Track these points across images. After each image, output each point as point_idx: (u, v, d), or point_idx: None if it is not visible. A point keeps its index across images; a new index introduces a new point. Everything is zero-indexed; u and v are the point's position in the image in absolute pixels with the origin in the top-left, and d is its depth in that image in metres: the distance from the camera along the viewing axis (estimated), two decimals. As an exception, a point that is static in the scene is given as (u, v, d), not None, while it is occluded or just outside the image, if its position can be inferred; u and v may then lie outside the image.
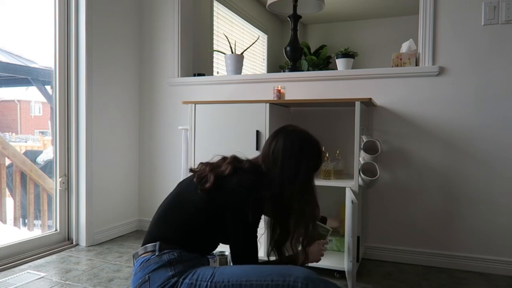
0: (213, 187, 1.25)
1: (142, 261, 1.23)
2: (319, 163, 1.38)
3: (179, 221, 1.28)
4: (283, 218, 1.36)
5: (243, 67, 2.83)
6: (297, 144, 1.32)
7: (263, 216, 1.43)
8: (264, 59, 5.03)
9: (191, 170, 1.38)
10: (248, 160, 1.36)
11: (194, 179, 1.31)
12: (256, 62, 4.75)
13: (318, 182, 2.05)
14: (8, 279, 1.95)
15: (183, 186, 1.37)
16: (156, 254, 1.22)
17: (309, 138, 1.36)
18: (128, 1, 2.80)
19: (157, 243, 1.23)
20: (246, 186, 1.25)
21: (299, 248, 1.39)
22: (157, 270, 1.19)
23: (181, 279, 1.17)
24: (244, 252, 1.26)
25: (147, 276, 1.19)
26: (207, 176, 1.28)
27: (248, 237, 1.26)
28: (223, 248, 1.55)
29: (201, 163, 1.38)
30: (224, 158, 1.37)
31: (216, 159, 1.39)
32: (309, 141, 1.35)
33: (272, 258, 1.42)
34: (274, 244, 1.40)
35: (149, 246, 1.25)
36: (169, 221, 1.29)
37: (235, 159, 1.35)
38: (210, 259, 1.61)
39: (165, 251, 1.22)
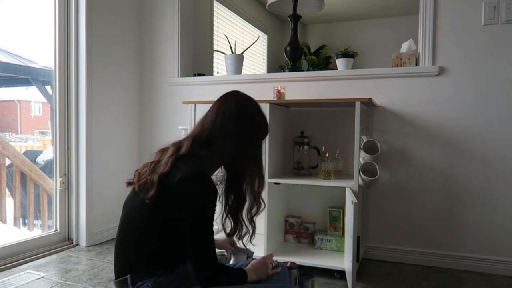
0: (158, 192, 1.09)
1: None
2: (267, 131, 1.31)
3: (137, 245, 1.14)
4: (239, 189, 1.25)
5: (243, 67, 2.83)
6: (251, 106, 1.26)
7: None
8: (264, 59, 5.03)
9: (128, 183, 1.22)
10: (187, 137, 1.23)
11: (137, 190, 1.15)
12: (256, 62, 4.75)
13: (318, 182, 2.06)
14: (8, 279, 1.95)
15: (128, 205, 1.21)
16: None
17: (258, 105, 1.28)
18: (128, 1, 2.80)
19: (128, 277, 1.12)
20: (191, 179, 1.10)
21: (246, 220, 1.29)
22: None
23: None
24: (205, 254, 1.11)
25: None
26: (147, 181, 1.12)
27: (206, 237, 1.11)
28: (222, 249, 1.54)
29: (137, 170, 1.22)
30: (162, 150, 1.23)
31: (155, 155, 1.24)
32: (258, 106, 1.28)
33: (227, 226, 1.30)
34: (229, 211, 1.27)
35: (121, 281, 1.13)
36: (128, 247, 1.16)
37: (174, 147, 1.20)
38: None
39: (139, 284, 1.11)
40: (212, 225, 1.13)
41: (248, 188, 1.25)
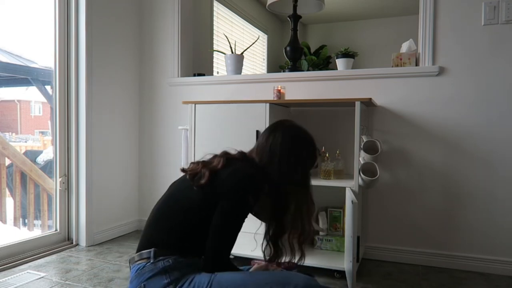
0: (208, 182, 1.22)
1: (138, 269, 1.21)
2: (315, 161, 1.37)
3: (173, 223, 1.24)
4: (279, 213, 1.33)
5: (243, 67, 2.83)
6: (296, 140, 1.32)
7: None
8: (264, 59, 5.03)
9: (182, 170, 1.35)
10: (239, 152, 1.34)
11: (187, 177, 1.28)
12: (256, 62, 4.75)
13: (318, 182, 2.06)
14: (8, 279, 1.95)
15: (175, 186, 1.33)
16: (151, 261, 1.19)
17: (306, 135, 1.35)
18: (128, 1, 2.80)
19: (152, 250, 1.20)
20: (240, 172, 1.23)
21: (295, 245, 1.36)
22: (152, 278, 1.17)
23: (177, 287, 1.15)
24: (220, 245, 1.20)
25: (142, 284, 1.18)
26: (200, 172, 1.25)
27: (229, 228, 1.21)
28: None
29: (192, 163, 1.35)
30: (215, 155, 1.34)
31: (207, 157, 1.36)
32: (307, 138, 1.34)
33: (267, 252, 1.37)
34: (270, 238, 1.35)
35: (144, 253, 1.22)
36: (163, 224, 1.25)
37: (226, 153, 1.32)
38: None
39: (160, 258, 1.19)
40: (238, 223, 1.22)
41: (298, 215, 1.32)
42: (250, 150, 1.37)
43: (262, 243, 1.36)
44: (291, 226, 1.32)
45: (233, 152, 1.34)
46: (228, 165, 1.26)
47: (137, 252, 1.25)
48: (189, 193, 1.25)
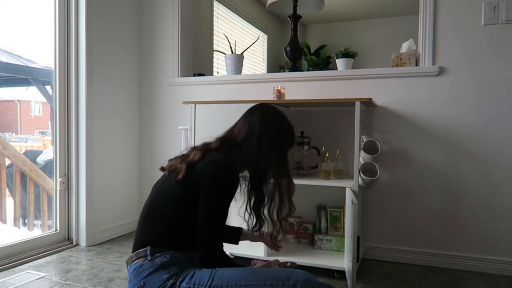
0: (185, 176, 1.24)
1: (136, 268, 1.22)
2: (293, 141, 1.42)
3: (163, 220, 1.26)
4: (258, 187, 1.36)
5: (243, 67, 2.83)
6: (274, 119, 1.36)
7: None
8: (264, 59, 5.03)
9: (161, 168, 1.36)
10: (217, 139, 1.36)
11: (167, 175, 1.30)
12: (256, 62, 4.75)
13: (318, 182, 2.06)
14: (8, 279, 1.95)
15: (158, 186, 1.35)
16: (149, 258, 1.20)
17: (283, 116, 1.40)
18: (128, 1, 2.80)
19: (148, 248, 1.22)
20: (217, 164, 1.24)
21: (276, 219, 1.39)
22: (152, 275, 1.18)
23: (178, 282, 1.16)
24: (208, 237, 1.22)
25: (142, 281, 1.18)
26: (177, 168, 1.27)
27: (216, 219, 1.23)
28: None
29: (170, 159, 1.37)
30: (193, 148, 1.37)
31: (187, 151, 1.38)
32: (284, 119, 1.39)
33: (250, 222, 1.41)
34: (252, 207, 1.38)
35: (141, 251, 1.23)
36: (154, 223, 1.27)
37: (204, 145, 1.35)
38: None
39: (157, 254, 1.21)
40: (223, 211, 1.25)
41: (276, 191, 1.35)
42: (227, 130, 1.40)
43: (244, 214, 1.39)
44: (271, 198, 1.36)
45: (211, 141, 1.36)
46: (204, 157, 1.28)
47: (133, 252, 1.26)
48: (170, 189, 1.27)
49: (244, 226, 1.45)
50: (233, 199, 1.28)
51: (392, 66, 2.32)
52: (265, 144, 1.31)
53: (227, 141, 1.35)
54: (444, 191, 2.21)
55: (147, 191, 3.12)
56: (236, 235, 1.56)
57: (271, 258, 1.44)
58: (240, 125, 1.37)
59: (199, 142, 2.18)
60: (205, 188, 1.22)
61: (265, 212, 1.39)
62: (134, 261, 1.24)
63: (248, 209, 1.39)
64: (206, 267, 1.20)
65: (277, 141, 1.35)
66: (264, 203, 1.38)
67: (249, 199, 1.39)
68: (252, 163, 1.32)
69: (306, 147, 2.23)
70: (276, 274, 1.16)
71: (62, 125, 2.47)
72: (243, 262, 1.93)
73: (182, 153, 1.36)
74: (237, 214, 1.39)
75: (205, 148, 1.32)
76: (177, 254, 1.22)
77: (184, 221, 1.25)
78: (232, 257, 1.62)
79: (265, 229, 1.44)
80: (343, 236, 2.21)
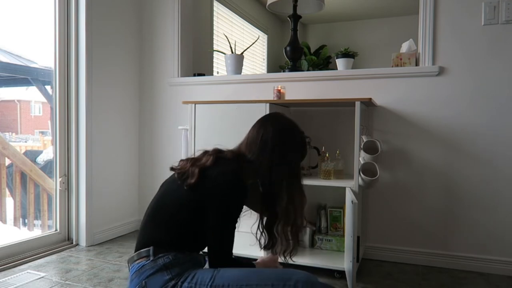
0: (198, 180, 1.23)
1: (137, 268, 1.22)
2: (305, 153, 1.40)
3: (169, 221, 1.26)
4: (272, 203, 1.35)
5: (243, 67, 2.83)
6: (286, 131, 1.34)
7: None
8: (264, 59, 5.03)
9: (171, 168, 1.36)
10: (230, 150, 1.35)
11: (176, 176, 1.30)
12: (256, 62, 4.75)
13: (318, 182, 2.06)
14: (8, 279, 1.95)
15: (166, 186, 1.35)
16: (151, 259, 1.20)
17: (296, 127, 1.38)
18: (128, 1, 2.80)
19: (151, 248, 1.22)
20: (228, 175, 1.24)
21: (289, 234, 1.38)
22: (154, 275, 1.18)
23: (179, 283, 1.16)
24: (222, 246, 1.23)
25: (143, 282, 1.18)
26: (188, 171, 1.26)
27: (226, 230, 1.23)
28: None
29: (181, 160, 1.36)
30: (205, 152, 1.35)
31: (197, 154, 1.37)
32: (297, 130, 1.37)
33: (262, 241, 1.39)
34: (264, 227, 1.37)
35: (143, 251, 1.23)
36: (159, 223, 1.27)
37: (216, 151, 1.33)
38: None
39: (160, 255, 1.21)
40: (233, 222, 1.25)
41: (290, 206, 1.34)
42: (240, 143, 1.38)
43: (256, 233, 1.38)
44: (284, 215, 1.34)
45: (224, 150, 1.35)
46: (217, 163, 1.27)
47: (135, 251, 1.26)
48: (178, 192, 1.26)
49: (255, 243, 1.41)
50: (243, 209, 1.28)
51: (392, 66, 2.32)
52: (278, 160, 1.29)
53: (240, 154, 1.33)
54: (444, 191, 2.21)
55: (147, 191, 3.13)
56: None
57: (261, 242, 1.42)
58: (251, 138, 1.35)
59: (199, 142, 2.20)
60: (217, 196, 1.22)
61: (279, 229, 1.37)
62: (135, 260, 1.24)
63: (260, 227, 1.37)
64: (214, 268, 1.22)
65: (291, 156, 1.33)
66: (277, 221, 1.36)
67: (261, 218, 1.38)
68: (265, 179, 1.30)
69: (306, 147, 2.23)
70: (277, 275, 1.16)
71: (62, 125, 2.47)
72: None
73: (192, 155, 1.36)
74: (250, 232, 1.37)
75: (218, 155, 1.31)
76: (179, 255, 1.22)
77: (189, 225, 1.25)
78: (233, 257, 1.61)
79: (278, 247, 1.41)
80: (343, 236, 2.22)
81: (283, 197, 1.33)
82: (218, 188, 1.22)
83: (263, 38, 4.97)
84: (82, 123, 2.47)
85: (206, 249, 1.29)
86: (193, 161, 1.31)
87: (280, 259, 1.47)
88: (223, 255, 1.24)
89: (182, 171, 1.28)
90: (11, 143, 2.46)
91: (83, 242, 2.50)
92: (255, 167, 1.30)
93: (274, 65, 5.14)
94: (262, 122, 1.37)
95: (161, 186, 1.36)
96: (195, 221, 1.24)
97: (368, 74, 2.32)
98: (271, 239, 1.37)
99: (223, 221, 1.23)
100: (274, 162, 1.29)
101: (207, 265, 1.41)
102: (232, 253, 1.26)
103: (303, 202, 1.38)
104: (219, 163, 1.27)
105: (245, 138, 1.38)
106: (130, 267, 1.27)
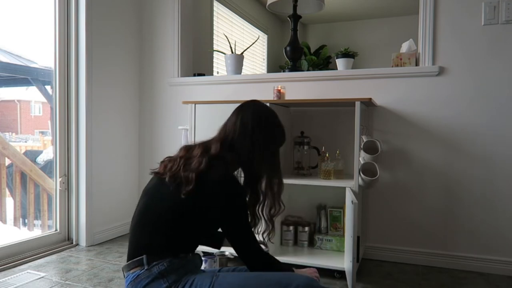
0: (195, 186, 1.18)
1: (133, 277, 1.18)
2: (284, 138, 1.42)
3: (157, 226, 1.22)
4: (253, 185, 1.37)
5: (243, 67, 2.83)
6: (263, 113, 1.37)
7: None
8: (264, 59, 5.03)
9: (153, 172, 1.31)
10: (215, 140, 1.32)
11: (167, 180, 1.23)
12: (256, 62, 4.75)
13: (318, 182, 2.06)
14: (8, 279, 1.95)
15: (150, 192, 1.29)
16: (145, 268, 1.17)
17: (273, 111, 1.41)
18: (128, 1, 2.80)
19: (144, 257, 1.18)
20: (227, 181, 1.23)
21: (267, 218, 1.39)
22: (150, 285, 1.16)
23: None
24: (249, 247, 1.25)
25: None
26: (181, 177, 1.21)
27: (244, 230, 1.25)
28: (223, 248, 1.55)
29: (162, 162, 1.32)
30: (187, 148, 1.33)
31: (176, 153, 1.34)
32: (274, 115, 1.40)
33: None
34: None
35: (136, 260, 1.19)
36: (147, 229, 1.23)
37: (203, 147, 1.29)
38: (209, 260, 1.61)
39: (154, 263, 1.17)
40: (247, 220, 1.28)
41: (268, 189, 1.36)
42: (221, 129, 1.38)
43: None
44: (265, 195, 1.36)
45: (210, 141, 1.34)
46: (210, 166, 1.23)
47: (128, 260, 1.23)
48: (169, 199, 1.21)
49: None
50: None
51: (392, 66, 2.32)
52: (258, 142, 1.31)
53: (224, 142, 1.31)
54: (444, 191, 2.21)
55: (147, 191, 3.07)
56: (217, 239, 1.49)
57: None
58: (231, 122, 1.36)
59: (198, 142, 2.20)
60: (224, 209, 1.22)
61: (259, 211, 1.39)
62: (130, 270, 1.20)
63: None
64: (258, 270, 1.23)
65: (270, 139, 1.35)
66: (259, 202, 1.38)
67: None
68: (246, 162, 1.32)
69: (306, 147, 2.23)
70: (277, 279, 1.15)
71: (62, 125, 2.47)
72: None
73: (178, 154, 1.31)
74: None
75: (207, 154, 1.26)
76: (174, 261, 1.19)
77: (180, 227, 1.22)
78: (232, 257, 1.62)
79: (259, 228, 1.43)
80: (343, 236, 2.21)
81: (263, 180, 1.36)
82: (224, 199, 1.22)
83: (263, 38, 4.97)
84: (82, 123, 2.47)
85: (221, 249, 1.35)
86: (182, 162, 1.25)
87: (259, 238, 1.48)
88: (254, 254, 1.25)
89: (172, 176, 1.23)
90: (11, 143, 2.46)
91: (83, 242, 2.50)
92: (236, 152, 1.31)
93: (274, 65, 5.14)
94: (240, 108, 1.39)
95: (145, 192, 1.30)
96: (186, 221, 1.21)
97: (368, 74, 2.32)
98: (253, 219, 1.39)
99: (240, 224, 1.24)
100: (254, 146, 1.30)
101: (203, 266, 1.41)
102: (261, 248, 1.27)
103: (281, 186, 1.39)
104: (212, 165, 1.23)
105: (224, 123, 1.39)
106: (125, 276, 1.23)
